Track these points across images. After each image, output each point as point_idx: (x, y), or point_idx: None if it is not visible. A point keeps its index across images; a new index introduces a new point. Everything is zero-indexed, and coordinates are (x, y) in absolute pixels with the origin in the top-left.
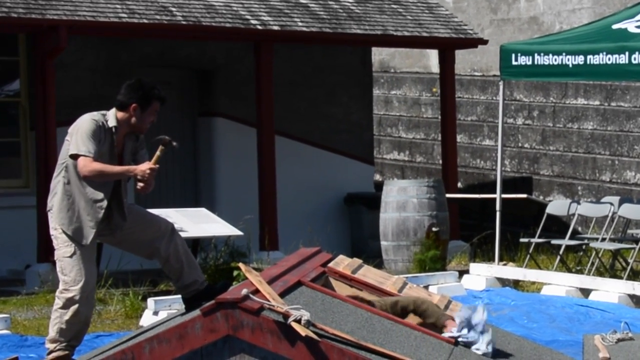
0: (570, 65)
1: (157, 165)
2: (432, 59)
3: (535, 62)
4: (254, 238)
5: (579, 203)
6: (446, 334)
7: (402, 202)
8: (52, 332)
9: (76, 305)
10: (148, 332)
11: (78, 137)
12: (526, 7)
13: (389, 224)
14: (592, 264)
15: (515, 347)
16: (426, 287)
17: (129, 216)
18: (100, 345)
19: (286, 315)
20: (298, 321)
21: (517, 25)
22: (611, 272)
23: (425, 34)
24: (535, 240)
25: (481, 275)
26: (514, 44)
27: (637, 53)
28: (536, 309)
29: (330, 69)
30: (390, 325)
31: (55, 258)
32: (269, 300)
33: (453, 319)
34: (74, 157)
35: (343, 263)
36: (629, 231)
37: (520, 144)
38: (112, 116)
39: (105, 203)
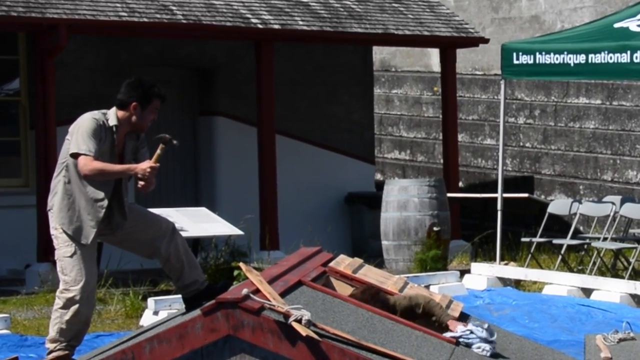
0: (572, 64)
1: (158, 164)
2: (433, 57)
3: (537, 61)
4: (255, 237)
5: (580, 202)
6: (448, 334)
7: (403, 202)
8: (52, 332)
9: (76, 305)
10: (148, 331)
11: (79, 136)
12: (527, 6)
13: (390, 223)
14: (594, 263)
15: (516, 347)
16: (427, 287)
17: (130, 215)
18: (101, 345)
19: (287, 315)
20: (299, 321)
21: (518, 24)
22: (613, 271)
23: (426, 33)
24: (537, 239)
25: (482, 274)
26: (516, 43)
27: (638, 52)
28: (537, 309)
29: (331, 68)
30: (391, 325)
31: (55, 258)
32: (269, 300)
33: (455, 319)
34: (75, 156)
35: (344, 263)
36: (631, 231)
37: (521, 143)
38: (112, 115)
39: (106, 202)
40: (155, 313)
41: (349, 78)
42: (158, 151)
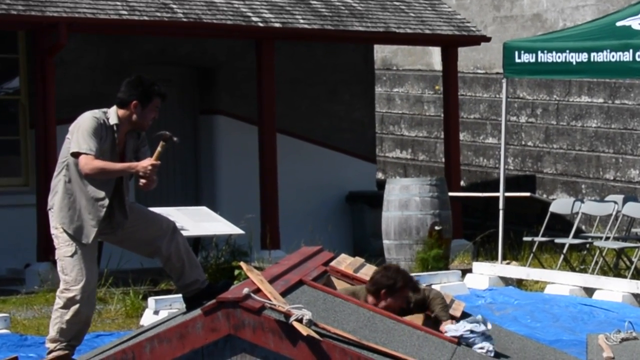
0: (574, 63)
1: (159, 162)
2: (434, 56)
3: (539, 60)
4: (256, 237)
5: (582, 202)
6: (449, 334)
7: (405, 201)
8: (53, 331)
9: (77, 305)
10: (149, 331)
11: (79, 134)
12: (529, 4)
13: (391, 222)
14: (596, 263)
15: (518, 346)
16: (429, 286)
17: (131, 215)
18: (101, 344)
19: (288, 315)
20: (300, 320)
21: (520, 23)
22: (615, 271)
23: (427, 32)
24: (539, 239)
25: (484, 274)
26: (517, 42)
27: None
28: (539, 308)
29: (332, 67)
30: (392, 325)
31: (56, 257)
32: (270, 300)
33: (456, 318)
34: (75, 155)
35: (345, 262)
36: (633, 230)
37: (523, 142)
38: (113, 114)
39: (106, 201)
40: (156, 312)
41: (350, 77)
42: (159, 148)
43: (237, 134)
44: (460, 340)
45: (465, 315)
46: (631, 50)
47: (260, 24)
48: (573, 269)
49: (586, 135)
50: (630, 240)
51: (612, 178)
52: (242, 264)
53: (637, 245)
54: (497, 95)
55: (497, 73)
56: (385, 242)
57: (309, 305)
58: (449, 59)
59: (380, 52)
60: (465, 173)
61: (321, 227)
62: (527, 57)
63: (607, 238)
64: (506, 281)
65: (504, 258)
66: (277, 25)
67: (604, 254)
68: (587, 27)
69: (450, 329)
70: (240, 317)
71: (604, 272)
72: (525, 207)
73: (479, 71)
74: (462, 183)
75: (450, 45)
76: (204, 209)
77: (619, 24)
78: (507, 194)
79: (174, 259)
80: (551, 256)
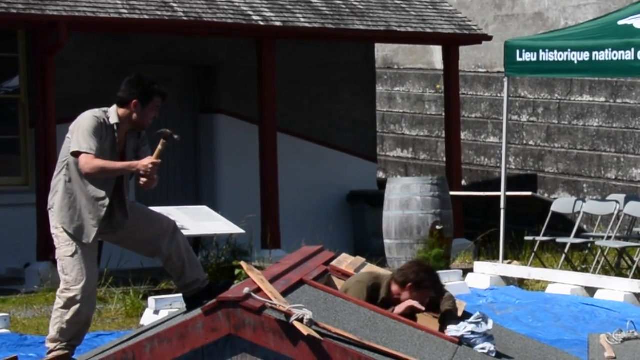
0: (576, 62)
1: (160, 160)
2: (435, 55)
3: (540, 59)
4: (256, 236)
5: (584, 201)
6: (450, 334)
7: (406, 200)
8: (53, 331)
9: (77, 305)
10: (149, 331)
11: (79, 134)
12: (531, 3)
13: (392, 222)
14: (598, 262)
15: (519, 346)
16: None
17: (131, 214)
18: (101, 344)
19: (288, 314)
20: (300, 320)
21: (521, 21)
22: (617, 270)
23: (429, 30)
24: (540, 238)
25: (485, 273)
26: (519, 40)
27: None
28: (541, 308)
29: (333, 66)
30: (393, 325)
31: (56, 257)
32: (271, 299)
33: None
34: (76, 154)
35: (346, 261)
36: (635, 229)
37: (525, 141)
38: (113, 113)
39: (107, 201)
40: (156, 312)
41: (351, 76)
42: (159, 147)
43: (237, 133)
44: (461, 341)
45: (466, 315)
46: (633, 49)
47: (261, 23)
48: (575, 269)
49: (588, 135)
50: (632, 239)
51: (613, 177)
52: (242, 263)
53: (639, 244)
54: (499, 94)
55: (499, 72)
56: (386, 241)
57: (310, 305)
58: (450, 58)
59: (381, 51)
60: (466, 172)
61: (322, 226)
62: (528, 56)
63: (609, 237)
64: (507, 281)
65: (505, 257)
66: (277, 24)
67: (605, 253)
68: (589, 26)
69: (452, 329)
70: (240, 316)
71: (605, 272)
72: (527, 206)
73: (480, 70)
74: (463, 182)
75: (451, 44)
76: (204, 209)
77: (620, 22)
78: (508, 193)
79: (175, 259)
80: (553, 256)
